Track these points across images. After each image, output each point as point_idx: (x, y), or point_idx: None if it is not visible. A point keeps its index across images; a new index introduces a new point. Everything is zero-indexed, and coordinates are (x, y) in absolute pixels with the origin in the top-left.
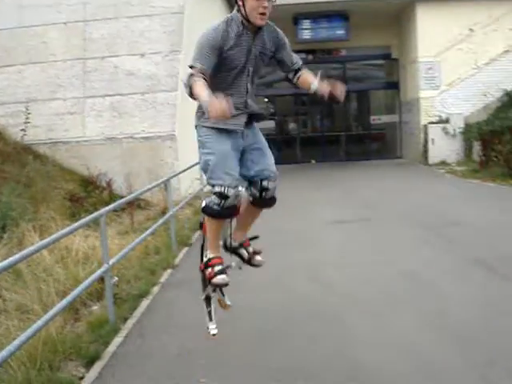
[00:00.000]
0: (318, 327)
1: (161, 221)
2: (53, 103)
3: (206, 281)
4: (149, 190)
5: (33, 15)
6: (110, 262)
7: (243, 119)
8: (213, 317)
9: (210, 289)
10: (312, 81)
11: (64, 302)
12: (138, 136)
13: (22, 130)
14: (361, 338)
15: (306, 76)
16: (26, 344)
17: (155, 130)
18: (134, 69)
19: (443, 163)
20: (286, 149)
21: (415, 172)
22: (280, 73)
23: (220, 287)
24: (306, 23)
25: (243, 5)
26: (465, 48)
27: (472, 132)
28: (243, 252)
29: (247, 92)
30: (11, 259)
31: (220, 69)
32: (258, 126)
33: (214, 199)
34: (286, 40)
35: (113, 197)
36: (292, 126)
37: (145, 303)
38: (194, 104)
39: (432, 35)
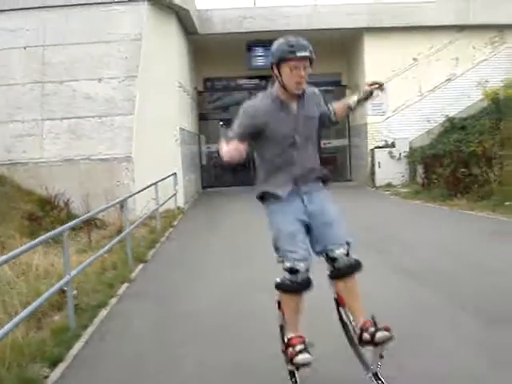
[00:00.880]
0: None
1: (118, 238)
2: (11, 125)
3: (288, 359)
4: (106, 208)
5: None
6: (72, 274)
7: (290, 185)
8: None
9: (292, 367)
10: (345, 103)
11: (28, 309)
12: (95, 158)
13: None
14: None
15: (337, 106)
16: None
17: (112, 152)
18: (92, 93)
19: (389, 185)
20: (242, 171)
21: (362, 194)
22: None
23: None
24: (259, 51)
25: (280, 75)
26: (409, 76)
27: (416, 156)
28: (366, 337)
29: (295, 160)
30: None
31: (267, 144)
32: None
33: (286, 275)
34: (323, 99)
35: (70, 216)
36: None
37: (103, 313)
38: (152, 127)
39: (378, 64)
